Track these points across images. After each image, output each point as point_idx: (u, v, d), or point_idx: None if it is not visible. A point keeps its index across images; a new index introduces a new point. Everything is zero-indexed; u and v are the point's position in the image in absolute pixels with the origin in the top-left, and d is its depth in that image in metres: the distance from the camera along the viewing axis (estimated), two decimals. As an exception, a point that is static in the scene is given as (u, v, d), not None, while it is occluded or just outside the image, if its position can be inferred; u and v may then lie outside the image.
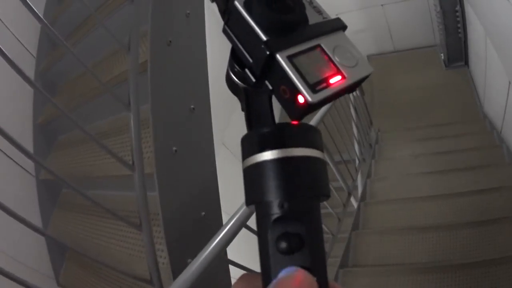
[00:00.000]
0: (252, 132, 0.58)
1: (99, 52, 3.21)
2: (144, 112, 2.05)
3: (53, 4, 3.99)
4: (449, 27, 7.72)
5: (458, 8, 7.28)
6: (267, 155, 0.53)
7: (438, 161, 5.75)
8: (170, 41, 2.26)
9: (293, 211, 0.52)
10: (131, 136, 1.92)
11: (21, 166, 3.31)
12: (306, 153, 0.54)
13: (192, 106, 2.29)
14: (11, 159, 3.18)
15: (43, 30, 3.82)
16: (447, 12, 7.44)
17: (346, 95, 5.33)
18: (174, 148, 2.08)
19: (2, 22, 3.48)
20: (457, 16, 7.46)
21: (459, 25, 7.60)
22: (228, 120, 7.30)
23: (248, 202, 0.56)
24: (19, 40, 3.69)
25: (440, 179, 5.12)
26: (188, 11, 2.47)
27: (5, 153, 3.10)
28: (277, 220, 0.52)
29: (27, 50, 3.81)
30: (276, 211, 0.52)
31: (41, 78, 3.78)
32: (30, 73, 3.77)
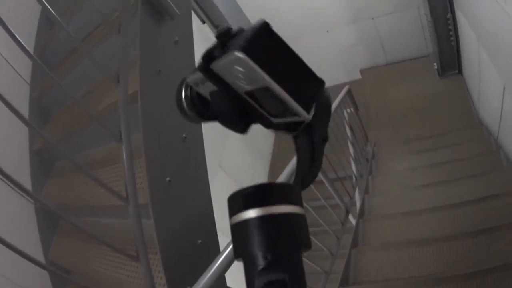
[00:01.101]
0: (236, 192, 0.63)
1: (91, 79, 3.19)
2: (137, 140, 2.06)
3: (45, 29, 4.01)
4: (441, 36, 7.73)
5: (449, 15, 7.29)
6: (251, 213, 0.60)
7: (436, 172, 5.76)
8: (160, 70, 2.27)
9: (276, 262, 0.58)
10: (123, 169, 1.92)
11: (20, 193, 3.31)
12: (286, 210, 0.61)
13: (184, 135, 2.30)
14: (10, 185, 3.17)
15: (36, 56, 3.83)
16: (439, 20, 7.46)
17: (340, 113, 5.33)
18: (168, 178, 2.09)
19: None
20: (449, 24, 7.47)
21: (451, 33, 7.61)
22: (224, 144, 7.34)
23: (236, 255, 0.62)
24: (12, 67, 3.69)
25: (438, 191, 5.11)
26: (176, 38, 2.48)
27: (3, 180, 3.09)
28: (262, 270, 0.58)
29: (21, 76, 3.82)
30: (261, 262, 0.58)
31: (36, 104, 3.78)
32: (25, 98, 3.78)
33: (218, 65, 0.62)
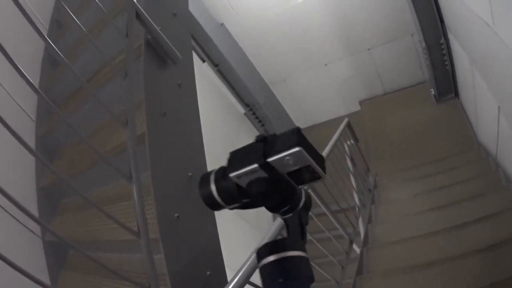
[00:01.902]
0: (262, 246, 1.04)
1: (95, 120, 3.30)
2: (145, 178, 2.15)
3: (48, 68, 4.09)
4: (435, 61, 7.82)
5: (442, 40, 7.39)
6: (272, 257, 1.02)
7: (437, 197, 5.77)
8: (165, 113, 2.37)
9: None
10: (135, 206, 2.00)
11: (27, 227, 3.35)
12: (295, 254, 1.03)
13: (190, 174, 2.39)
14: (17, 220, 3.22)
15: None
16: (432, 46, 7.55)
17: (341, 147, 5.43)
18: (176, 215, 2.17)
19: (1, 86, 3.58)
20: (443, 49, 7.56)
21: (445, 57, 7.69)
22: None
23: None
24: (18, 104, 3.76)
25: (440, 214, 5.14)
26: (179, 81, 2.59)
27: (11, 215, 3.14)
28: None
29: (26, 113, 3.89)
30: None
31: (42, 141, 3.82)
32: (31, 136, 3.84)
33: (275, 159, 0.96)
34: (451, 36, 6.98)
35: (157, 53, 2.52)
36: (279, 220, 2.71)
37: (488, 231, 4.23)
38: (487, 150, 6.73)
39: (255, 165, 0.98)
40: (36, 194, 3.63)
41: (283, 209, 1.12)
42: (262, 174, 0.99)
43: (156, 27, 2.48)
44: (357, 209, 5.68)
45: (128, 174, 2.04)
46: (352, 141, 6.77)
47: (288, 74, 9.79)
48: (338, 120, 7.46)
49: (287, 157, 0.95)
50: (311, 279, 1.03)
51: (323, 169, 1.01)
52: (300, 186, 1.11)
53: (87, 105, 3.31)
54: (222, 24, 8.57)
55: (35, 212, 3.54)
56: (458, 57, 6.98)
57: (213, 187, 1.07)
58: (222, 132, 7.81)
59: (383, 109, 9.62)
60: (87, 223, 3.12)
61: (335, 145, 5.21)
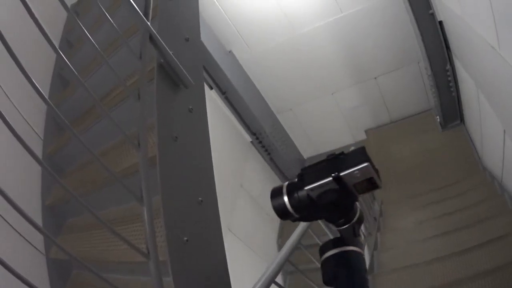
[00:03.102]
0: (325, 242, 1.29)
1: (105, 140, 3.33)
2: (156, 202, 2.16)
3: (58, 89, 4.12)
4: (441, 88, 7.86)
5: (448, 67, 7.43)
6: (335, 250, 1.24)
7: (443, 223, 5.80)
8: (176, 137, 2.38)
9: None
10: (145, 228, 2.01)
11: (30, 243, 3.34)
12: (353, 248, 1.25)
13: (200, 199, 2.40)
14: (22, 236, 3.21)
15: (49, 112, 3.94)
16: (438, 73, 7.60)
17: None
18: (185, 238, 2.17)
19: (10, 101, 3.59)
20: (448, 75, 7.60)
21: (451, 84, 7.73)
22: (233, 207, 7.37)
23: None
24: (26, 120, 3.78)
25: (446, 240, 5.14)
26: (191, 106, 2.61)
27: (15, 230, 3.14)
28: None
29: (34, 131, 3.90)
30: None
31: (49, 160, 3.84)
32: (38, 154, 3.85)
33: (347, 173, 1.17)
34: (457, 62, 7.04)
35: (170, 77, 2.54)
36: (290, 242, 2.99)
37: (496, 253, 4.24)
38: (492, 174, 6.75)
39: (330, 179, 1.18)
40: (41, 213, 3.63)
41: (340, 221, 1.32)
42: (333, 186, 1.19)
43: (169, 50, 2.50)
44: (362, 236, 5.67)
45: (139, 196, 2.05)
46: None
47: (295, 103, 9.85)
48: (344, 148, 7.45)
49: (356, 172, 1.17)
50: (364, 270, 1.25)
51: (380, 180, 1.21)
52: (356, 203, 1.34)
53: (95, 126, 3.35)
54: (230, 51, 8.64)
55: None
56: (463, 82, 7.04)
57: (285, 198, 1.26)
58: (228, 159, 7.81)
59: (389, 138, 9.67)
60: (93, 243, 3.11)
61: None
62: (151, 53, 2.48)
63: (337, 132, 10.14)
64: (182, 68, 2.55)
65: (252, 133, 9.04)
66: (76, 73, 2.16)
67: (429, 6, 6.73)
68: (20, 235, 3.22)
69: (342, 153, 1.25)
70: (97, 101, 2.22)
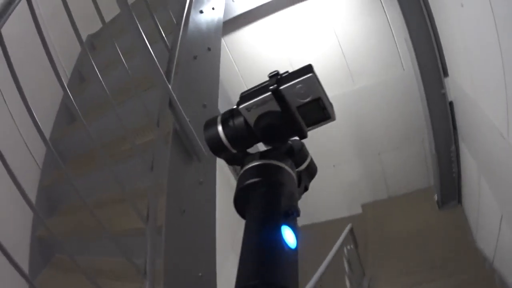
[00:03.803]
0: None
1: (105, 190, 3.26)
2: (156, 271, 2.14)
3: (63, 122, 4.11)
4: (443, 168, 7.86)
5: (453, 148, 7.45)
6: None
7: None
8: (184, 210, 2.36)
9: None
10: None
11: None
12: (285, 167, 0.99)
13: (200, 274, 2.38)
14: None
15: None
16: (442, 153, 7.62)
17: (340, 249, 5.42)
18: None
19: (16, 126, 3.59)
20: (452, 156, 7.61)
21: (453, 164, 7.74)
22: (239, 226, 7.37)
23: None
24: (27, 147, 3.77)
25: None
26: (201, 179, 2.59)
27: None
28: None
29: (34, 159, 3.89)
30: None
31: (45, 192, 3.82)
32: (35, 182, 3.83)
33: (286, 87, 0.96)
34: (462, 144, 7.08)
35: (184, 147, 2.53)
36: None
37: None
38: (484, 256, 6.72)
39: (268, 93, 0.98)
40: (30, 243, 3.61)
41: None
42: (273, 107, 1.00)
43: (186, 118, 2.49)
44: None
45: (143, 271, 2.04)
46: (352, 246, 6.81)
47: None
48: (339, 221, 7.56)
49: (299, 85, 0.96)
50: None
51: (333, 110, 1.02)
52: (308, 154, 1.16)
53: (97, 174, 3.33)
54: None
55: (25, 260, 3.51)
56: (466, 164, 7.08)
57: (219, 128, 1.07)
58: (224, 220, 7.69)
59: (385, 214, 9.58)
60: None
61: (337, 252, 5.25)
62: (168, 119, 2.47)
63: (333, 203, 10.09)
64: (197, 138, 2.54)
65: None
66: (80, 114, 2.16)
67: (442, 85, 6.77)
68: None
69: (287, 71, 1.02)
70: (106, 160, 2.21)
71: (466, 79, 5.18)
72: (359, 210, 10.08)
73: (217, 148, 1.08)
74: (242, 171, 0.99)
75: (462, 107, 6.24)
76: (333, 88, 8.24)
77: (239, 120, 1.05)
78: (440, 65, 6.59)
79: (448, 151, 7.53)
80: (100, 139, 3.30)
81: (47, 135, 3.92)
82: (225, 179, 8.18)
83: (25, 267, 3.39)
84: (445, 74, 6.66)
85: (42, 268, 3.55)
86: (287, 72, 1.01)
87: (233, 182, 8.53)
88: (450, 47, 5.90)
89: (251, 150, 1.09)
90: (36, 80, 3.68)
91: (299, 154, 1.12)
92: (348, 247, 6.58)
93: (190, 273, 2.36)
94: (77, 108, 2.20)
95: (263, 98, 0.99)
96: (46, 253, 3.63)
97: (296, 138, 1.07)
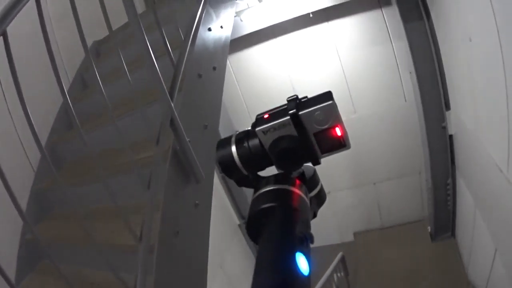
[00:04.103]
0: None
1: (98, 201, 3.20)
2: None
3: (61, 128, 4.09)
4: (439, 201, 7.84)
5: (449, 181, 7.45)
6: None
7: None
8: (178, 232, 2.34)
9: None
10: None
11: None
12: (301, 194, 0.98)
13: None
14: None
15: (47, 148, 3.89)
16: (439, 186, 7.61)
17: (331, 277, 5.41)
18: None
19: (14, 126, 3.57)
20: (448, 189, 7.60)
21: (449, 197, 7.72)
22: (228, 246, 7.29)
23: None
24: (23, 147, 3.74)
25: None
26: (197, 201, 2.56)
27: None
28: None
29: (29, 161, 3.86)
30: None
31: (37, 195, 3.77)
32: (28, 184, 3.80)
33: (306, 113, 0.97)
34: (459, 177, 7.10)
35: (182, 167, 2.50)
36: None
37: None
38: (475, 288, 6.73)
39: (287, 118, 0.98)
40: (19, 245, 3.57)
41: None
42: (291, 131, 1.00)
43: (186, 138, 2.47)
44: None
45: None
46: (342, 273, 6.79)
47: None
48: (330, 247, 7.52)
49: (318, 111, 0.97)
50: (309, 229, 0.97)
51: (348, 140, 1.02)
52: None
53: (92, 184, 3.28)
54: (237, 131, 8.67)
55: (13, 263, 3.47)
56: (462, 198, 7.10)
57: (233, 148, 1.07)
58: (213, 236, 7.63)
59: (378, 243, 9.49)
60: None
61: (327, 279, 5.24)
62: (168, 138, 2.45)
63: (325, 230, 9.79)
64: (197, 161, 2.52)
65: (242, 217, 9.03)
66: (77, 121, 2.14)
67: (443, 118, 6.78)
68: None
69: (306, 96, 1.04)
70: (98, 166, 2.20)
71: (468, 113, 5.22)
72: (351, 238, 10.01)
73: (229, 168, 1.08)
74: (256, 194, 0.99)
75: (462, 141, 6.26)
76: (333, 114, 8.21)
77: (254, 142, 1.05)
78: (442, 98, 6.62)
79: (445, 184, 7.53)
80: (98, 149, 3.30)
81: (45, 137, 3.92)
82: (215, 198, 8.14)
83: (12, 269, 3.39)
84: (447, 107, 6.69)
85: (28, 272, 3.49)
86: (306, 97, 1.03)
87: (224, 198, 8.58)
88: (454, 81, 5.93)
89: (262, 173, 1.08)
90: (38, 81, 3.66)
91: (311, 180, 1.12)
92: (339, 274, 6.56)
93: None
94: (74, 114, 2.19)
95: (281, 122, 0.99)
96: (34, 257, 3.55)
97: (309, 164, 1.07)
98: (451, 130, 6.84)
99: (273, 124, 1.00)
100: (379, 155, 8.79)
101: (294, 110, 0.97)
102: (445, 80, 6.45)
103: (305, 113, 0.97)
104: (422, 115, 6.87)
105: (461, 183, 6.96)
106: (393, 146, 8.60)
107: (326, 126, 0.99)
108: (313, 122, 0.98)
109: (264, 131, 1.01)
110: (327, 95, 0.99)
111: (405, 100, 8.06)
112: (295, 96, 1.03)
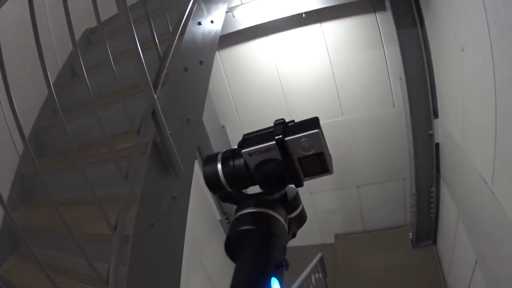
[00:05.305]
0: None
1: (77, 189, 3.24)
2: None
3: (46, 115, 4.08)
4: (421, 208, 7.88)
5: (433, 189, 7.49)
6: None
7: None
8: (153, 224, 2.34)
9: None
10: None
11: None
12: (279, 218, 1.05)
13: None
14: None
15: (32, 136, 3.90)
16: (422, 193, 7.65)
17: (308, 277, 5.41)
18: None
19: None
20: (431, 197, 7.64)
21: (432, 205, 7.76)
22: (208, 241, 7.29)
23: None
24: (10, 131, 3.73)
25: None
26: (175, 195, 2.56)
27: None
28: None
29: (15, 145, 3.85)
30: None
31: (20, 179, 3.80)
32: (13, 167, 3.80)
33: (291, 140, 1.01)
34: (443, 186, 7.11)
35: (162, 160, 2.50)
36: None
37: None
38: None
39: (272, 142, 1.02)
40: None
41: None
42: (275, 155, 1.04)
43: (167, 130, 2.47)
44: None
45: (106, 278, 2.02)
46: (320, 275, 6.79)
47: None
48: (310, 248, 7.49)
49: (304, 138, 1.01)
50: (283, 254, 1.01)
51: (332, 165, 1.06)
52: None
53: (72, 172, 3.27)
54: (223, 126, 8.84)
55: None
56: (445, 206, 7.13)
57: (219, 166, 1.10)
58: (193, 230, 7.65)
59: (358, 247, 9.50)
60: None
61: (304, 279, 5.23)
62: (149, 129, 2.45)
63: (307, 230, 9.77)
64: (177, 154, 2.52)
65: (223, 212, 9.08)
66: (59, 110, 2.15)
67: (430, 126, 6.82)
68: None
69: (292, 121, 1.09)
70: (78, 155, 2.20)
71: (456, 122, 5.22)
72: (331, 240, 10.00)
73: (214, 185, 1.12)
74: (237, 215, 1.04)
75: (448, 150, 6.28)
76: (320, 115, 8.14)
77: (239, 162, 1.09)
78: (431, 106, 6.65)
79: (429, 191, 7.58)
80: (81, 138, 3.30)
81: (31, 123, 3.91)
82: (197, 192, 8.14)
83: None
84: (435, 115, 6.72)
85: (8, 256, 3.50)
86: (293, 121, 1.08)
87: (207, 193, 8.54)
88: (444, 89, 5.94)
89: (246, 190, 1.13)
90: (28, 67, 3.65)
91: (293, 202, 1.16)
92: (317, 275, 6.56)
93: (154, 286, 2.34)
94: (57, 103, 2.20)
95: (267, 146, 1.03)
96: (14, 243, 3.56)
97: (292, 185, 1.12)
98: (438, 139, 6.86)
99: (259, 148, 1.04)
100: (364, 159, 8.82)
101: (280, 136, 1.02)
102: (434, 87, 6.47)
103: (291, 139, 1.02)
104: (410, 121, 6.90)
105: (445, 192, 6.98)
106: (378, 150, 8.63)
107: (310, 153, 1.03)
108: (298, 148, 1.02)
109: (250, 153, 1.05)
110: (314, 122, 1.04)
111: (393, 106, 8.09)
112: (282, 120, 1.07)
